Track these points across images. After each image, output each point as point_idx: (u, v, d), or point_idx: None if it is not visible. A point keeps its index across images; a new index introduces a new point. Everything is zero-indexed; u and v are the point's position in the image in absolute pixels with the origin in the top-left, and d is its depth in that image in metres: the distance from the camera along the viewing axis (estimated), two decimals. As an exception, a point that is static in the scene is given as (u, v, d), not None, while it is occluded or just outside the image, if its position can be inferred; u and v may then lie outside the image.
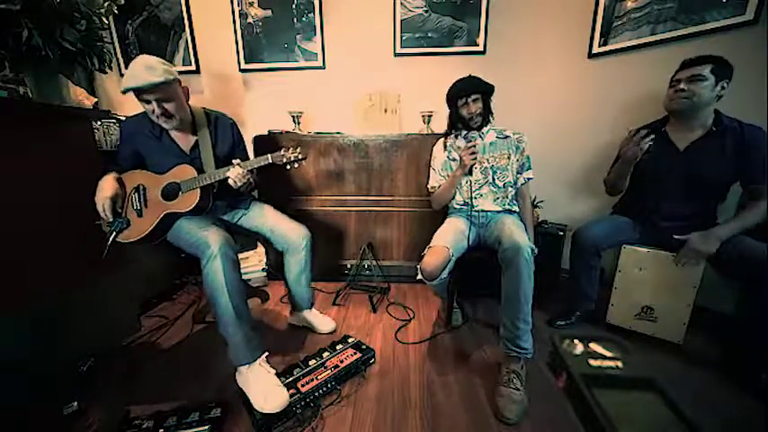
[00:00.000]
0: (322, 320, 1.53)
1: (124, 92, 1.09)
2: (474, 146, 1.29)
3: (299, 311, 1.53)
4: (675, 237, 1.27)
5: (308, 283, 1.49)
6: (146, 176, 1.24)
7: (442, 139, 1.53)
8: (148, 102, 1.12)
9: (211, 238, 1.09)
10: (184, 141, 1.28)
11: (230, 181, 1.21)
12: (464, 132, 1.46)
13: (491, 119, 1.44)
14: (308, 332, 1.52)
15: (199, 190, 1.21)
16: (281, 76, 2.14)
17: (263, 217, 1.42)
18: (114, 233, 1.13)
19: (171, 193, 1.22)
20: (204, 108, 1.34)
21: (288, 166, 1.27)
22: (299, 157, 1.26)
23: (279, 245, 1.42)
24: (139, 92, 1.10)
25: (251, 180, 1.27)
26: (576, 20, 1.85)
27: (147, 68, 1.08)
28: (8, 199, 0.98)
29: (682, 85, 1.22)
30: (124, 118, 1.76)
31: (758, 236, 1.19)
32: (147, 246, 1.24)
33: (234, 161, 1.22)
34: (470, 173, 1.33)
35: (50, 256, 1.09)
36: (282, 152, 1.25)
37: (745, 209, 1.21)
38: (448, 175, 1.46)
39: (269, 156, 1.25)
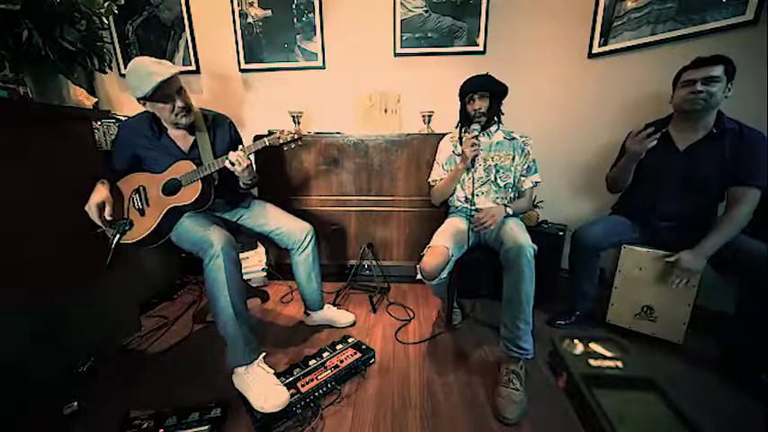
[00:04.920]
0: (340, 315, 1.57)
1: (151, 91, 1.05)
2: (475, 137, 1.28)
3: (316, 311, 1.54)
4: (667, 260, 1.27)
5: (320, 281, 1.50)
6: (145, 177, 1.24)
7: (449, 134, 1.53)
8: (171, 97, 1.11)
9: (214, 237, 1.09)
10: (183, 141, 1.27)
11: (229, 162, 1.17)
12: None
13: (500, 120, 1.43)
14: (308, 332, 1.52)
15: (200, 182, 1.21)
16: (281, 76, 2.14)
17: (265, 216, 1.42)
18: (118, 236, 1.11)
19: (172, 188, 1.22)
20: (201, 108, 1.32)
21: (284, 147, 1.28)
22: (295, 137, 1.26)
23: (282, 243, 1.41)
24: (163, 87, 1.07)
25: (252, 167, 1.26)
26: (575, 20, 1.85)
27: (157, 64, 1.07)
28: (8, 199, 0.98)
29: (699, 87, 1.18)
30: (125, 118, 1.76)
31: (758, 235, 1.19)
32: (147, 246, 1.23)
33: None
34: (473, 165, 1.32)
35: (50, 256, 1.09)
36: (278, 134, 1.25)
37: (723, 219, 1.20)
38: (451, 170, 1.46)
39: (265, 139, 1.24)
